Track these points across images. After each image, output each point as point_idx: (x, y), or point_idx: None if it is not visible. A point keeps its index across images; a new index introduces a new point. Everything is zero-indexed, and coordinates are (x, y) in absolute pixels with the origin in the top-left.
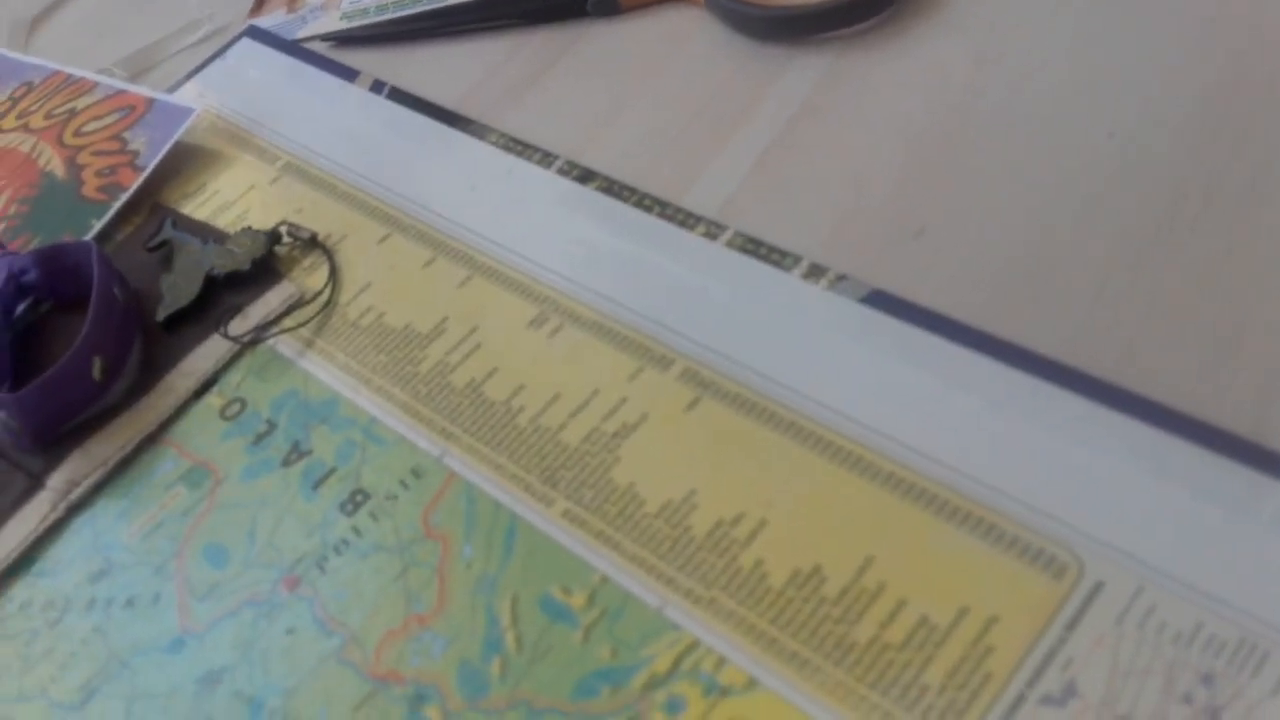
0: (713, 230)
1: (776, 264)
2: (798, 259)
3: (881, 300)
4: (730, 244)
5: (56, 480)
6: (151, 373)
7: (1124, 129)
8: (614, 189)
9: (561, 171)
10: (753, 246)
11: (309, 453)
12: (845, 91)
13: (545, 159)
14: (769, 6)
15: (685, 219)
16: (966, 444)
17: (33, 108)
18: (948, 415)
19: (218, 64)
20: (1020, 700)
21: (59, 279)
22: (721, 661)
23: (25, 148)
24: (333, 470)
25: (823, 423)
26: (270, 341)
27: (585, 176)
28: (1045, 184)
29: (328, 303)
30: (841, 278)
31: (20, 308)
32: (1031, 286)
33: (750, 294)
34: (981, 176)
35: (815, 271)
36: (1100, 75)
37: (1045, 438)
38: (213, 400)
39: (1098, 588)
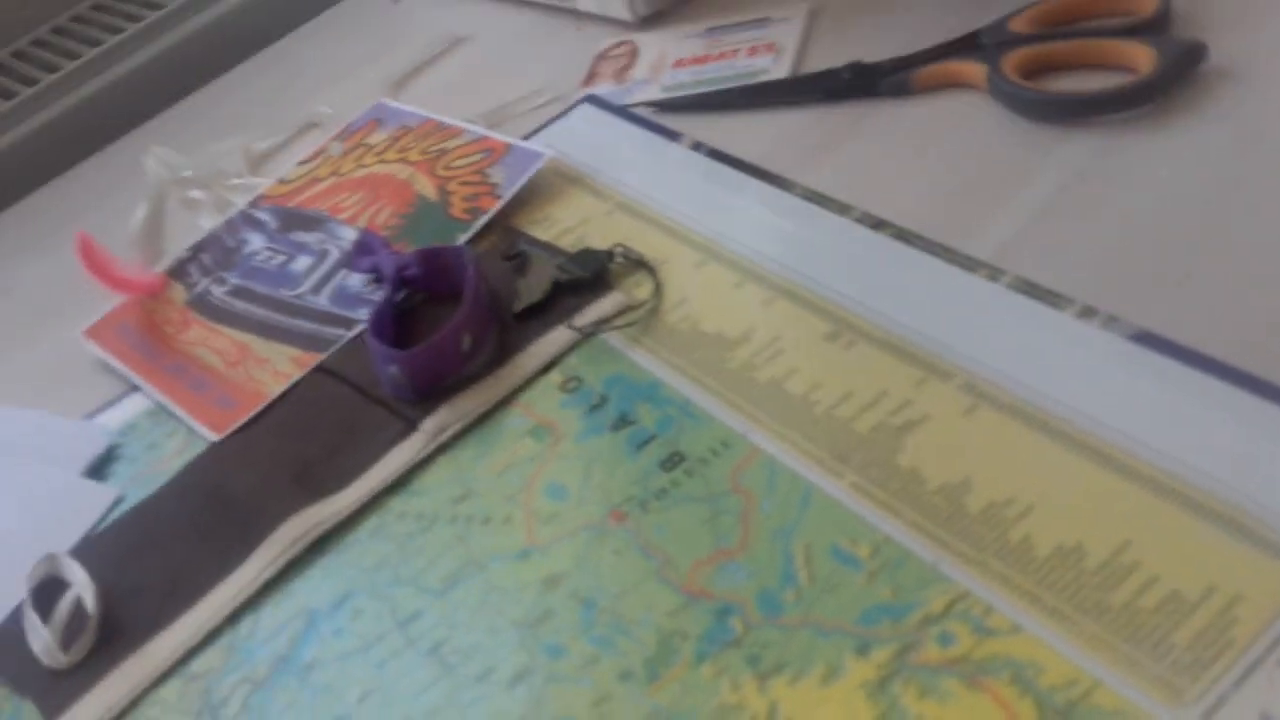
0: (993, 273)
1: (1051, 304)
2: (1071, 300)
3: (1148, 339)
4: (1009, 285)
5: (429, 425)
6: (505, 353)
7: None
8: (904, 235)
9: (858, 220)
10: (1029, 288)
11: (634, 422)
12: (1114, 163)
13: (843, 209)
14: (1047, 92)
15: (968, 263)
16: (1215, 455)
17: (410, 145)
18: (1201, 432)
19: (560, 123)
20: (1259, 662)
21: (434, 275)
22: (989, 609)
23: (404, 175)
24: (654, 437)
25: (1087, 431)
26: (603, 336)
27: (878, 225)
28: None
29: (652, 310)
30: (1112, 318)
31: (401, 295)
32: (1271, 326)
33: (1025, 326)
34: (1235, 238)
35: (1087, 312)
36: None
37: None
38: (554, 377)
39: None
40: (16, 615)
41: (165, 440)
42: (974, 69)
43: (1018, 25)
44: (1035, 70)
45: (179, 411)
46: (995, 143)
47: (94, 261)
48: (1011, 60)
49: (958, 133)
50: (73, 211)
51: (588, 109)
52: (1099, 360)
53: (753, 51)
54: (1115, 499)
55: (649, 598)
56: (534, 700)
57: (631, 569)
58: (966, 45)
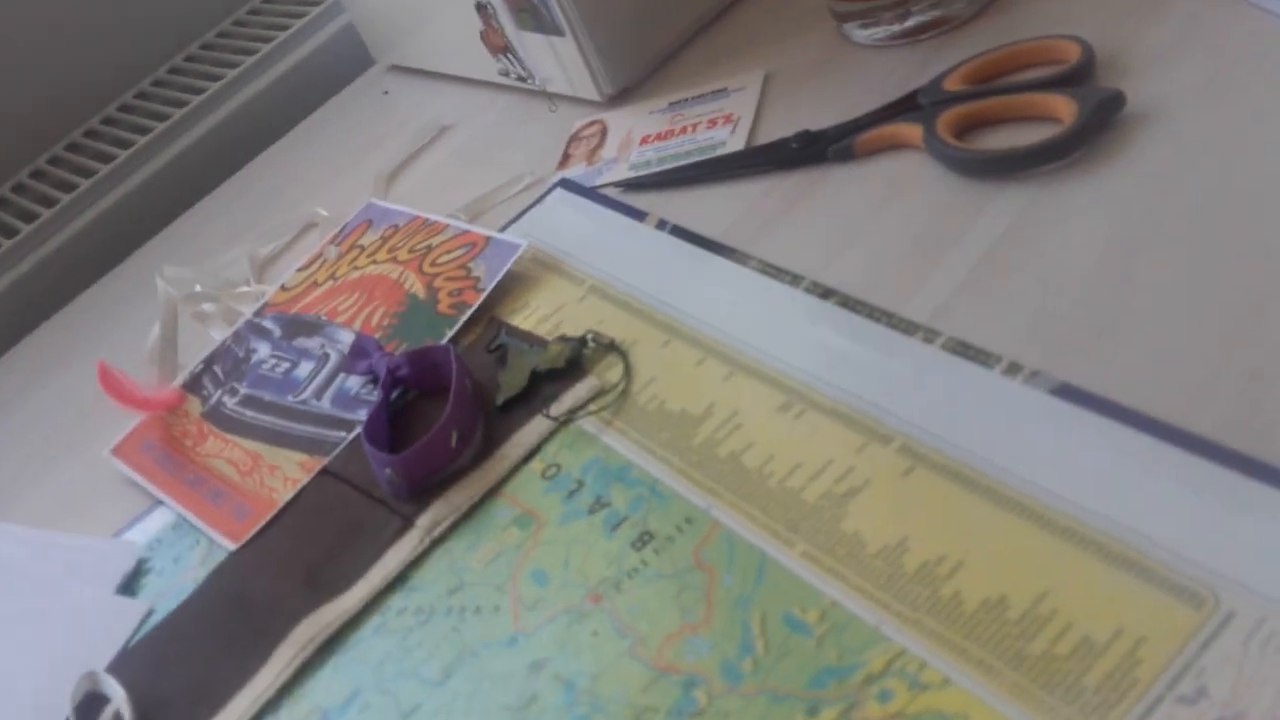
0: (929, 335)
1: (981, 362)
2: (999, 358)
3: (1068, 392)
4: (943, 346)
5: (423, 521)
6: (491, 444)
7: None
8: (848, 303)
9: (806, 290)
10: (961, 348)
11: (608, 504)
12: (1040, 216)
13: (794, 279)
14: (976, 150)
15: (906, 326)
16: (1128, 503)
17: (399, 244)
18: (1114, 481)
19: (537, 209)
20: (1160, 700)
21: (424, 373)
22: (923, 665)
23: (394, 275)
24: (626, 518)
25: (1012, 487)
26: (579, 422)
27: (825, 294)
28: (1209, 292)
29: (622, 392)
30: (1035, 373)
31: (395, 394)
32: (1185, 375)
33: (957, 385)
34: (1155, 289)
35: (1013, 369)
36: (1265, 205)
37: (1193, 498)
38: (536, 465)
39: (1229, 617)
40: None
41: (188, 552)
42: (912, 130)
43: (951, 84)
44: (966, 128)
45: (199, 524)
46: (933, 202)
47: (114, 386)
48: (945, 120)
49: (899, 194)
50: (91, 330)
51: (561, 193)
52: (1022, 415)
53: (711, 124)
54: (1035, 550)
55: (623, 675)
56: None
57: (607, 648)
58: (907, 105)
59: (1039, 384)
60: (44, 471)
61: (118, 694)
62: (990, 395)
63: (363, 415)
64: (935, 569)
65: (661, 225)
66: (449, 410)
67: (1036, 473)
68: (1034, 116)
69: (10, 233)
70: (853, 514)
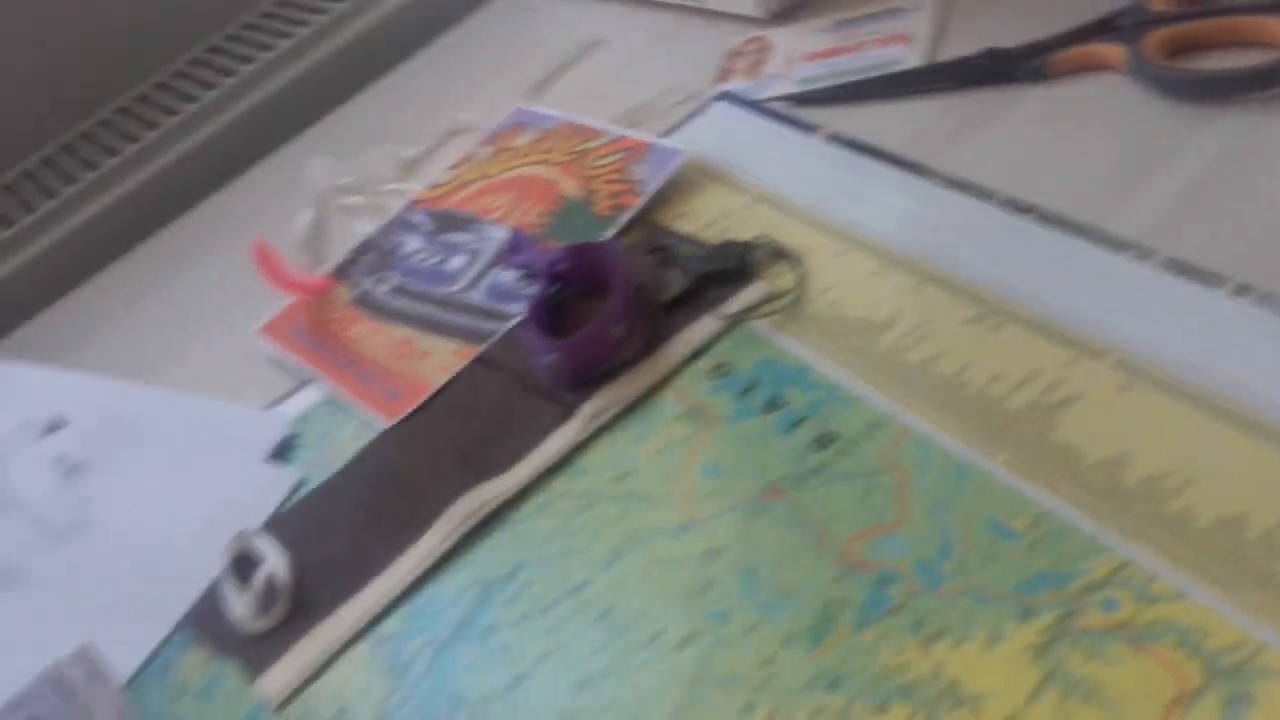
0: (1141, 253)
1: (1204, 283)
2: (1224, 279)
3: None
4: (1159, 265)
5: (586, 410)
6: (655, 342)
7: None
8: (1049, 220)
9: (999, 205)
10: (1179, 268)
11: (785, 405)
12: (1260, 141)
13: (984, 194)
14: (1190, 71)
15: (1115, 244)
16: None
17: (553, 147)
18: None
19: (696, 121)
20: None
21: (583, 270)
22: (1152, 578)
23: (548, 176)
24: (805, 418)
25: (1246, 406)
26: (749, 324)
27: (1022, 209)
28: None
29: (796, 298)
30: (1269, 295)
31: (553, 289)
32: None
33: (1178, 305)
34: None
35: (1242, 290)
36: None
37: None
38: (703, 364)
39: None
40: (214, 588)
41: (338, 428)
42: (1113, 51)
43: (1158, 5)
44: (1177, 50)
45: (351, 401)
46: (1138, 124)
47: (268, 265)
48: (1152, 40)
49: (1099, 116)
50: (242, 217)
51: (723, 106)
52: (1257, 337)
53: (885, 42)
54: (1276, 471)
55: (808, 568)
56: (702, 662)
57: (789, 542)
58: (1104, 28)
59: (1272, 306)
60: (193, 345)
61: (271, 553)
62: (1218, 316)
63: (517, 308)
64: (1160, 484)
65: (834, 139)
66: (614, 303)
67: (1275, 394)
68: (1249, 42)
69: (172, 113)
70: (1065, 426)
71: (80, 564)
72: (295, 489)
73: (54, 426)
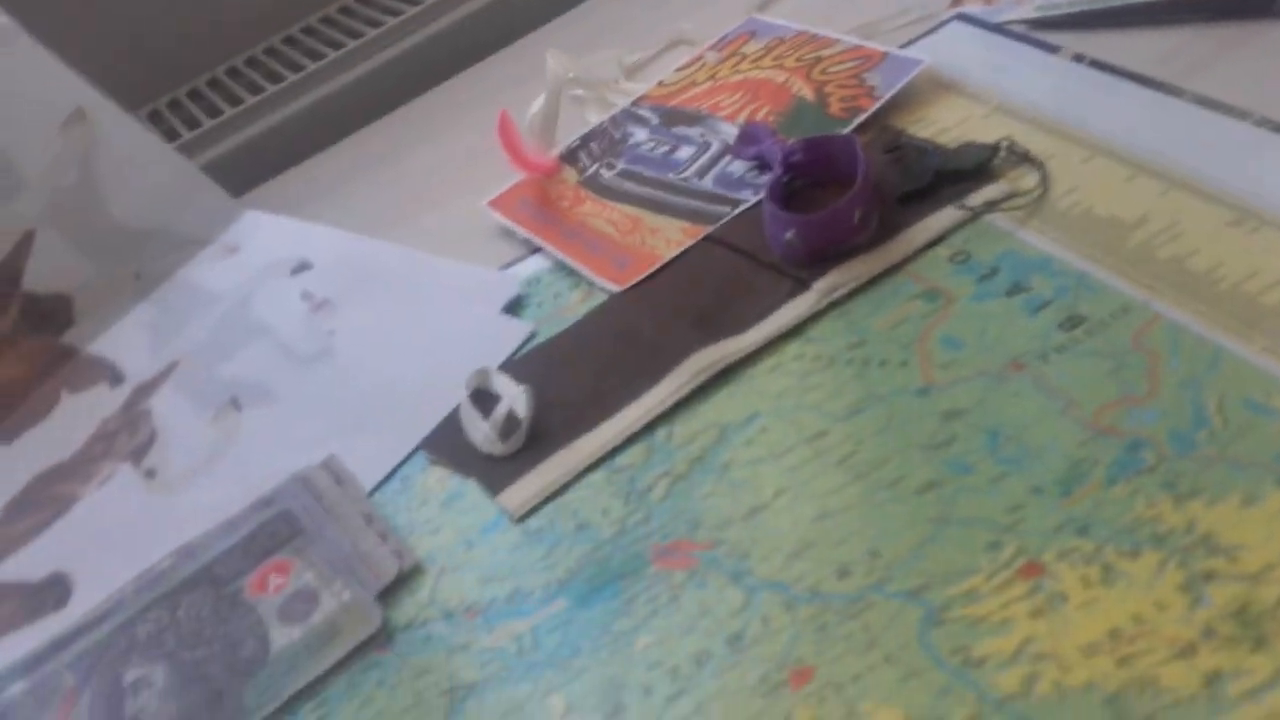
0: None
1: None
2: None
3: None
4: None
5: (820, 285)
6: (891, 231)
7: None
8: None
9: (1256, 124)
10: None
11: (1029, 289)
12: None
13: (1240, 114)
14: None
15: None
16: None
17: (785, 54)
18: None
19: (929, 39)
20: None
21: (818, 163)
22: None
23: (779, 79)
24: (1050, 302)
25: None
26: (988, 219)
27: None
28: None
29: (1040, 197)
30: None
31: (786, 178)
32: None
33: None
34: None
35: None
36: None
37: None
38: (940, 251)
39: None
40: (454, 416)
41: (568, 291)
42: None
43: None
44: None
45: (579, 268)
46: None
47: (508, 137)
48: None
49: None
50: (479, 101)
51: (958, 26)
52: None
53: None
54: None
55: (1054, 431)
56: (946, 504)
57: (1033, 408)
58: None
59: None
60: (425, 212)
61: (512, 390)
62: None
63: (748, 195)
64: None
65: (1079, 59)
66: (856, 187)
67: None
68: None
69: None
70: None
71: (325, 387)
72: (527, 340)
73: (300, 268)
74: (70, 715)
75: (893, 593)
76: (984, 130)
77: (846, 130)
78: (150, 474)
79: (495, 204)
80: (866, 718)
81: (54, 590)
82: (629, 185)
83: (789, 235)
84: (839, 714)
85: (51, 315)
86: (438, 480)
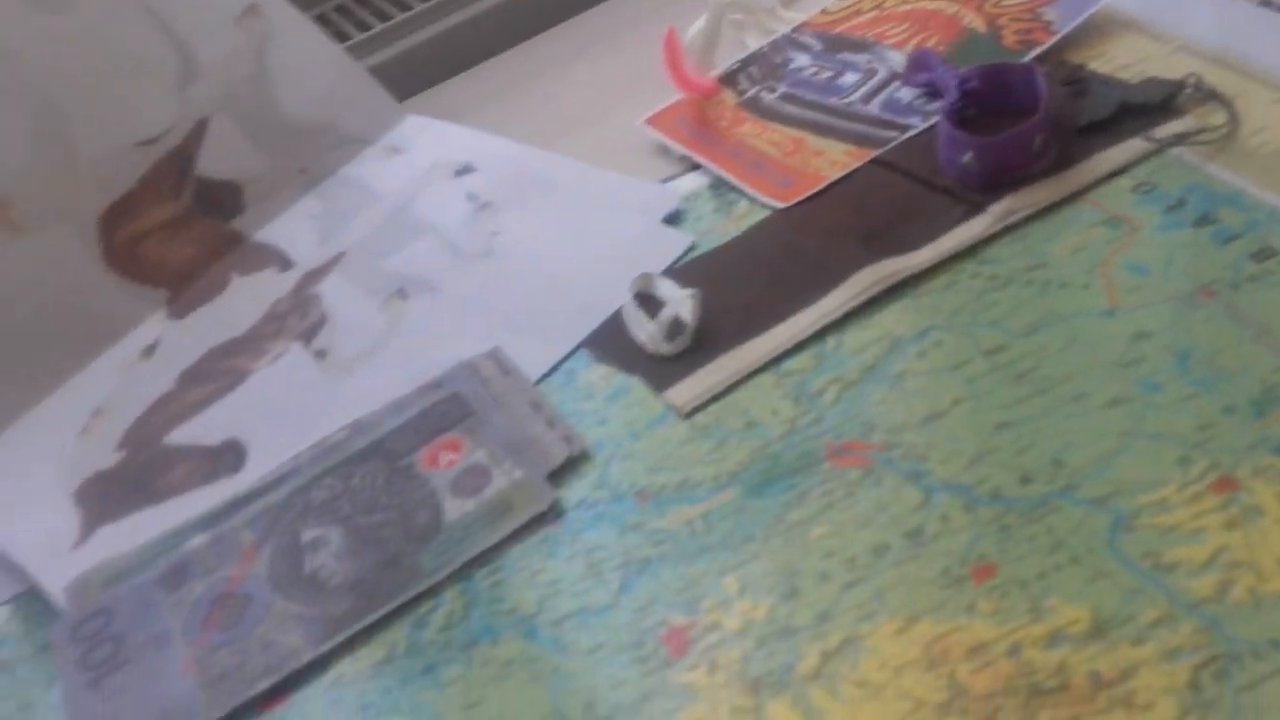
0: None
1: None
2: None
3: None
4: None
5: (996, 208)
6: (1070, 161)
7: None
8: None
9: None
10: None
11: (1217, 221)
12: None
13: None
14: None
15: None
16: None
17: None
18: None
19: None
20: None
21: (994, 91)
22: None
23: (949, 10)
24: (1240, 234)
25: None
26: (1173, 153)
27: None
28: None
29: (1228, 133)
30: None
31: (960, 105)
32: None
33: None
34: None
35: None
36: None
37: None
38: (1123, 182)
39: None
40: (618, 316)
41: (729, 207)
42: None
43: None
44: None
45: (740, 185)
46: None
47: (673, 55)
48: None
49: None
50: (639, 21)
51: None
52: None
53: None
54: None
55: (1247, 357)
56: (1133, 420)
57: (1225, 335)
58: None
59: None
60: (584, 126)
61: (677, 294)
62: None
63: (916, 122)
64: None
65: (1266, 4)
66: (1038, 114)
67: None
68: None
69: None
70: None
71: (489, 284)
72: (686, 251)
73: (463, 171)
74: (251, 568)
75: (1079, 500)
76: (1165, 68)
77: (1020, 62)
78: (320, 354)
79: (653, 121)
80: (1051, 613)
81: (230, 455)
82: (791, 108)
83: (966, 158)
84: (1023, 608)
85: (222, 201)
86: (601, 377)
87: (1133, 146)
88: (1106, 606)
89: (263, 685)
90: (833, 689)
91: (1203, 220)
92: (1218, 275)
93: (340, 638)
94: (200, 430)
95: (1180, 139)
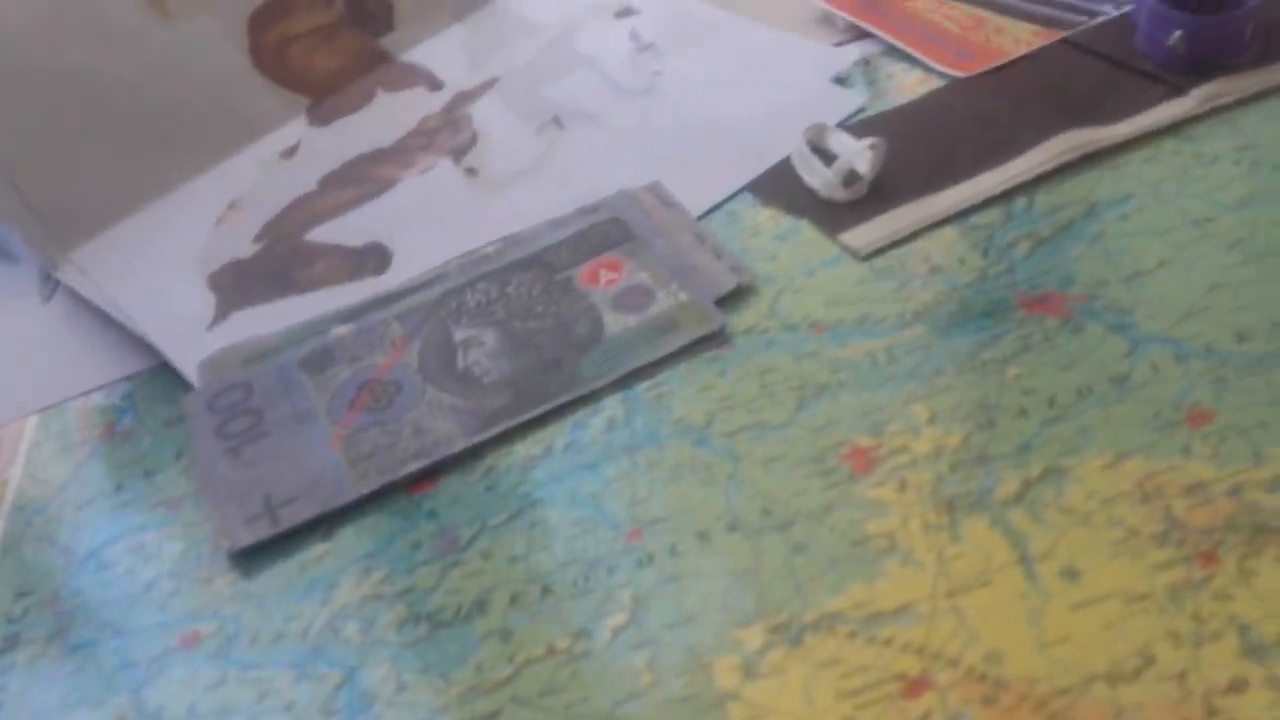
0: None
1: None
2: None
3: None
4: None
5: (1198, 92)
6: (1276, 55)
7: None
8: None
9: None
10: None
11: None
12: None
13: None
14: None
15: None
16: None
17: None
18: None
19: None
20: None
21: None
22: None
23: None
24: None
25: None
26: None
27: None
28: None
29: None
30: None
31: None
32: None
33: None
34: None
35: None
36: None
37: None
38: None
39: None
40: (785, 165)
41: (902, 74)
42: None
43: None
44: None
45: (916, 54)
46: None
47: None
48: None
49: None
50: None
51: None
52: None
53: None
54: None
55: None
56: None
57: None
58: None
59: None
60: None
61: (853, 146)
62: None
63: (1108, 9)
64: None
65: None
66: (1253, 1)
67: None
68: None
69: None
70: None
71: (650, 119)
72: (857, 112)
73: (624, 13)
74: (400, 359)
75: None
76: None
77: None
78: (471, 171)
79: None
80: (1273, 460)
81: (374, 257)
82: None
83: (1174, 39)
84: (1245, 453)
85: (374, 15)
86: (769, 218)
87: None
88: None
89: (413, 466)
90: (1035, 514)
91: None
92: None
93: (496, 429)
94: (342, 231)
95: None
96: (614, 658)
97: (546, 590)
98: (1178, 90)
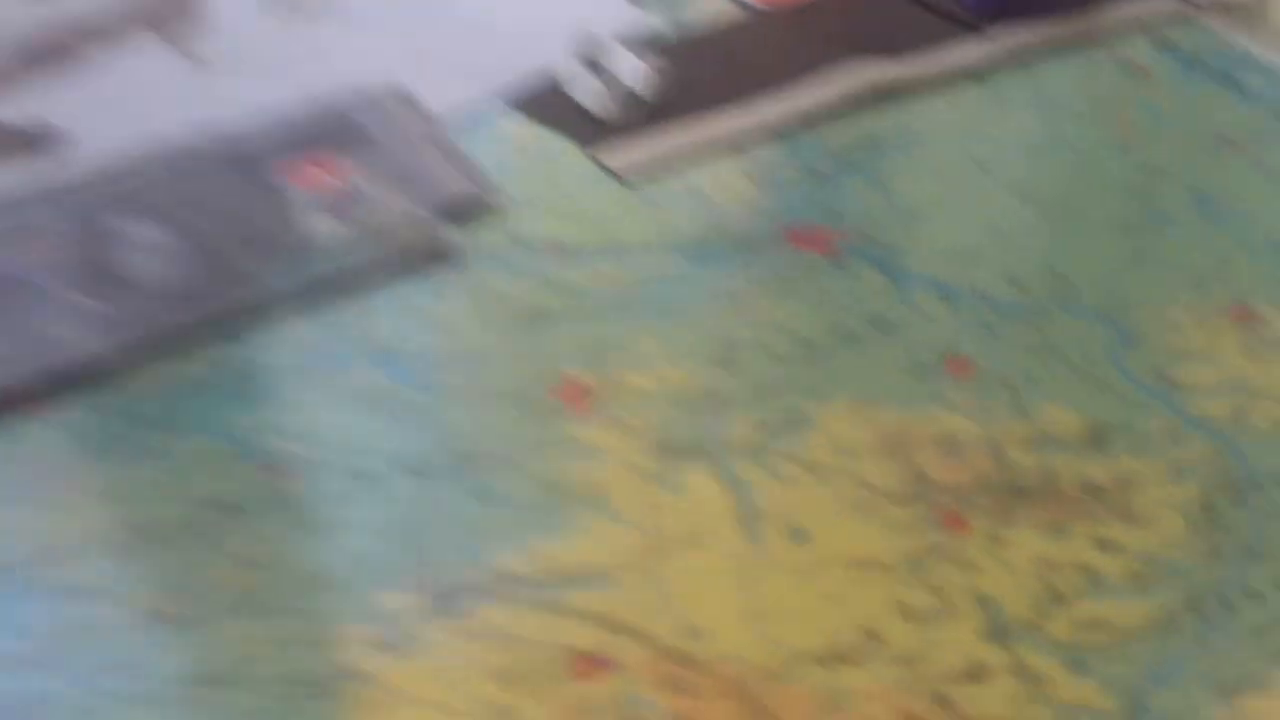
0: None
1: None
2: None
3: None
4: None
5: (1004, 38)
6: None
7: None
8: None
9: None
10: None
11: (1241, 85)
12: None
13: None
14: None
15: None
16: None
17: None
18: None
19: None
20: None
21: None
22: None
23: None
24: (1263, 95)
25: None
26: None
27: None
28: None
29: (1256, 7)
30: None
31: None
32: None
33: None
34: None
35: None
36: None
37: None
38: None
39: None
40: (554, 75)
41: (700, 1)
42: None
43: None
44: None
45: None
46: None
47: None
48: None
49: None
50: None
51: None
52: None
53: None
54: None
55: (1271, 202)
56: (1145, 244)
57: (1250, 182)
58: None
59: None
60: None
61: (631, 63)
62: None
63: None
64: None
65: None
66: None
67: None
68: None
69: None
70: None
71: (402, 13)
72: (651, 39)
73: None
74: (39, 255)
75: (1078, 311)
76: None
77: None
78: (189, 55)
79: None
80: (1037, 416)
81: (39, 137)
82: None
83: None
84: (1005, 408)
85: None
86: (525, 130)
87: (1158, 5)
88: (1099, 412)
89: (28, 380)
90: (766, 464)
91: (1225, 80)
92: (1240, 128)
93: (147, 344)
94: (9, 106)
95: (1211, 2)
96: (219, 622)
97: (151, 537)
98: (978, 33)
